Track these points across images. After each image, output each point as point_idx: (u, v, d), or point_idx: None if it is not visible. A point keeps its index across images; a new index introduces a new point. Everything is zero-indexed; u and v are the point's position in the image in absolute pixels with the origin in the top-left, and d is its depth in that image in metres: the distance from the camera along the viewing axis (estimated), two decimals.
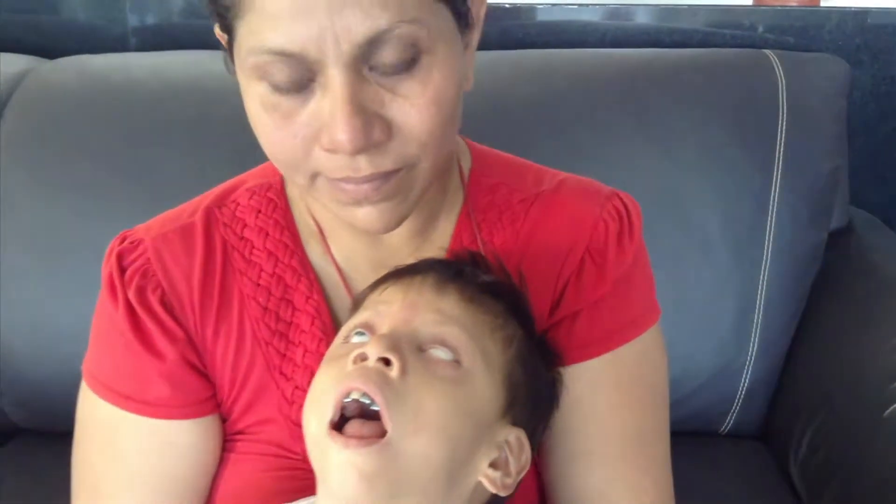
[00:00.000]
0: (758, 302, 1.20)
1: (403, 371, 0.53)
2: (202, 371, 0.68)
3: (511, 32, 1.43)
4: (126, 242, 0.69)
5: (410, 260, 0.64)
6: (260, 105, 0.57)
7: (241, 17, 0.54)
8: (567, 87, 1.25)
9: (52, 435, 1.26)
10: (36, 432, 1.28)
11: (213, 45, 1.44)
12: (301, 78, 0.54)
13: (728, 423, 1.26)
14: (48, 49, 1.40)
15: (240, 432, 0.68)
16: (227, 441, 0.69)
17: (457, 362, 0.56)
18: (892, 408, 1.01)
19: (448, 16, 0.57)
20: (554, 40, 1.41)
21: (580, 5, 1.44)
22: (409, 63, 0.55)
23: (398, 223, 0.61)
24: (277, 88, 0.55)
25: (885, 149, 1.50)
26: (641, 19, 1.44)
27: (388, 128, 0.56)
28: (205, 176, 0.84)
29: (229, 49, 0.59)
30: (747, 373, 1.21)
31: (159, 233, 0.69)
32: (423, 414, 0.52)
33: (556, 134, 1.19)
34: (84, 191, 1.18)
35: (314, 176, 0.59)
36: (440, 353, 0.55)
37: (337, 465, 0.51)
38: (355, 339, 0.57)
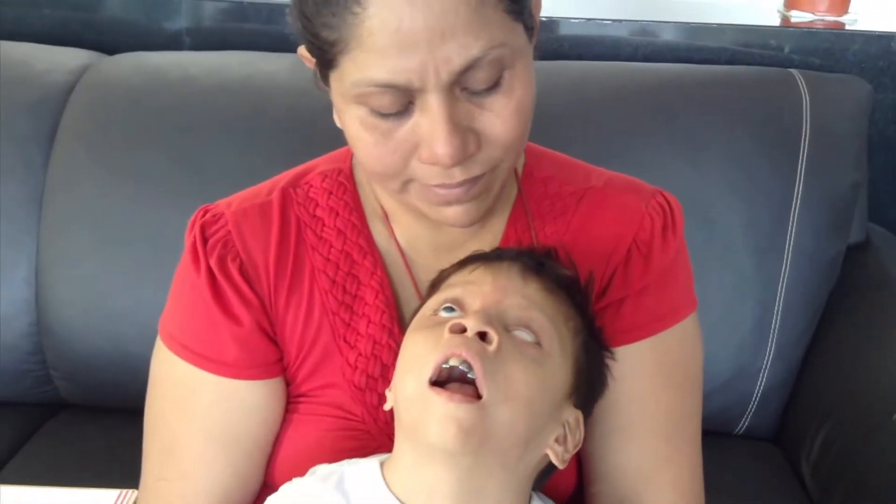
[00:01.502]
0: (776, 308, 1.25)
1: (499, 346, 0.59)
2: (272, 337, 0.73)
3: (547, 45, 1.48)
4: (208, 215, 0.75)
5: (469, 244, 0.71)
6: (360, 125, 0.63)
7: (347, 52, 0.59)
8: (599, 98, 1.31)
9: (98, 410, 1.34)
10: (82, 407, 1.36)
11: (262, 46, 1.52)
12: (401, 104, 0.60)
13: (743, 425, 1.31)
14: (105, 46, 1.48)
15: (303, 395, 0.74)
16: (291, 403, 0.74)
17: (538, 344, 0.62)
18: None
19: (522, 31, 0.63)
20: (587, 53, 1.47)
21: (613, 21, 1.50)
22: (495, 81, 0.61)
23: (480, 217, 0.68)
24: (377, 113, 0.61)
25: None
26: (672, 36, 1.50)
27: (479, 139, 0.62)
28: (255, 168, 0.90)
29: (322, 73, 0.65)
30: (764, 376, 1.26)
31: (239, 208, 0.75)
32: (512, 386, 0.58)
33: (589, 141, 1.25)
34: (141, 179, 1.25)
35: (407, 182, 0.65)
36: (524, 335, 0.61)
37: (439, 417, 0.57)
38: (444, 314, 0.63)
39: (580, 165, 0.80)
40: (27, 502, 0.95)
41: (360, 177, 0.78)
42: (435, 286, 0.69)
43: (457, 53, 0.58)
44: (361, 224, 0.76)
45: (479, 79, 0.60)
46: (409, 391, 0.60)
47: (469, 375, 0.57)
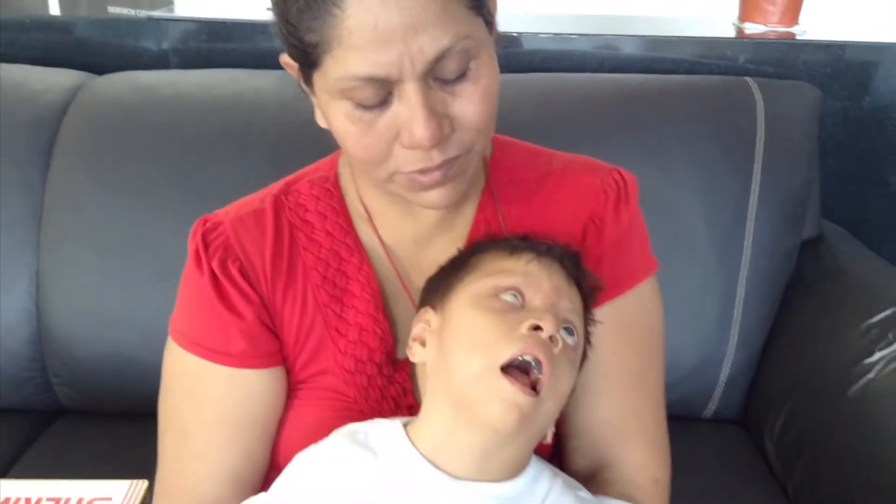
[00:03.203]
0: (737, 300, 1.34)
1: (561, 349, 0.66)
2: (272, 329, 0.80)
3: (517, 58, 1.58)
4: (209, 224, 0.81)
5: (443, 234, 0.80)
6: (346, 119, 0.69)
7: (329, 52, 0.66)
8: (567, 108, 1.39)
9: (98, 415, 1.39)
10: (82, 412, 1.41)
11: (246, 64, 1.58)
12: (380, 96, 0.67)
13: (710, 409, 1.40)
14: (95, 67, 1.53)
15: (302, 381, 0.81)
16: (292, 390, 0.81)
17: (575, 346, 0.70)
18: (854, 387, 1.15)
19: (483, 25, 0.70)
20: (556, 66, 1.56)
21: (580, 35, 1.59)
22: (463, 70, 0.68)
23: (457, 199, 0.75)
24: (360, 105, 0.68)
25: (854, 169, 1.65)
26: (634, 49, 1.59)
27: (452, 123, 0.69)
28: (246, 180, 0.96)
29: (305, 75, 0.71)
30: (728, 363, 1.35)
31: (236, 216, 0.82)
32: (560, 385, 0.67)
33: (557, 148, 1.33)
34: (136, 192, 1.31)
35: (393, 173, 0.72)
36: (568, 337, 0.69)
37: (503, 401, 0.63)
38: (508, 299, 0.69)
39: (544, 152, 0.88)
40: (40, 494, 1.00)
41: (345, 183, 0.85)
42: (474, 258, 0.74)
43: (429, 45, 0.64)
44: (348, 225, 0.83)
45: (450, 68, 0.67)
46: (475, 369, 0.65)
47: (536, 372, 0.64)
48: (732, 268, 1.34)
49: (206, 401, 0.79)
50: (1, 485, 1.03)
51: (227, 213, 0.83)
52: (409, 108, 0.67)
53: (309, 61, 0.68)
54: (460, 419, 0.67)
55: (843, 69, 1.59)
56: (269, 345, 0.80)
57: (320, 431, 0.75)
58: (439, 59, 0.65)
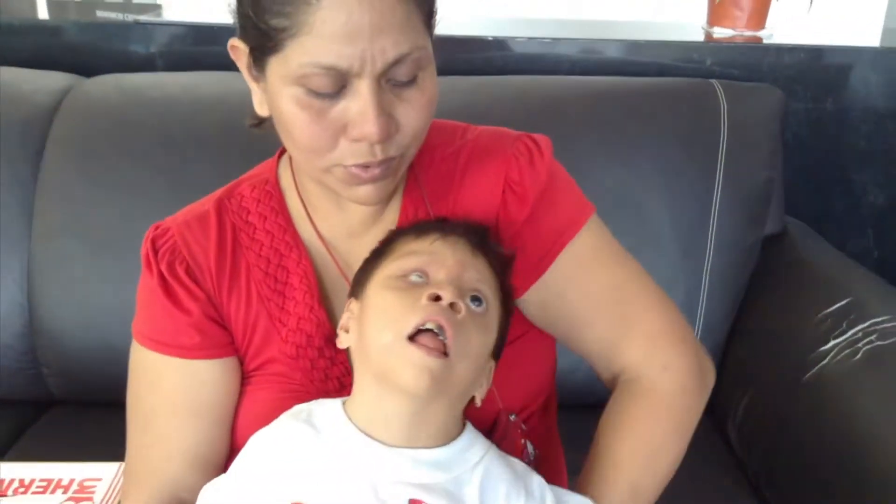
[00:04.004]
0: (702, 292, 1.41)
1: (464, 315, 0.71)
2: (221, 323, 0.85)
3: (493, 61, 1.64)
4: (158, 230, 0.87)
5: (376, 224, 0.85)
6: (296, 104, 0.73)
7: (296, 37, 0.70)
8: (540, 108, 1.45)
9: (88, 404, 1.44)
10: (72, 402, 1.46)
11: (230, 67, 1.63)
12: (336, 86, 0.72)
13: None
14: (82, 69, 1.58)
15: (254, 370, 0.86)
16: (245, 378, 0.86)
17: (485, 311, 0.75)
18: (809, 373, 1.21)
19: (430, 42, 0.76)
20: (530, 68, 1.62)
21: (553, 39, 1.65)
22: (412, 77, 0.74)
23: (385, 198, 0.81)
24: (313, 93, 0.72)
25: (817, 167, 1.72)
26: (607, 52, 1.65)
27: (397, 124, 0.75)
28: (229, 178, 0.98)
29: (257, 60, 0.75)
30: None
31: (183, 220, 0.87)
32: (469, 346, 0.71)
33: None
34: (124, 190, 1.37)
35: (332, 166, 0.76)
36: (475, 303, 0.74)
37: (414, 366, 0.68)
38: (414, 279, 0.74)
39: (458, 126, 0.92)
40: (34, 475, 1.05)
41: (285, 184, 0.90)
42: (388, 246, 0.79)
43: (391, 47, 0.70)
44: (287, 224, 0.88)
45: (402, 73, 0.72)
46: (386, 342, 0.70)
47: (440, 337, 0.69)
48: (697, 262, 1.41)
49: (165, 390, 0.84)
50: None
51: (174, 219, 0.88)
52: (361, 103, 0.71)
53: (269, 45, 0.72)
54: (383, 390, 0.72)
55: (806, 72, 1.65)
56: (219, 337, 0.85)
57: (273, 414, 0.80)
58: (397, 62, 0.71)
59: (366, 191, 0.78)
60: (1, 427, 1.39)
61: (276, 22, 0.70)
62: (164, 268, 0.84)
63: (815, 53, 1.65)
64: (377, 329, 0.72)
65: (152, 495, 0.83)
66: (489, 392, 0.82)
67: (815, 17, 1.82)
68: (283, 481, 0.72)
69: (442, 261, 0.75)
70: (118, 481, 1.04)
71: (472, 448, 0.76)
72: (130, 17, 1.72)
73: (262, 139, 1.37)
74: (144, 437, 0.86)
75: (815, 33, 1.79)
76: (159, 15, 1.86)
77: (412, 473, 0.71)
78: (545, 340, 0.92)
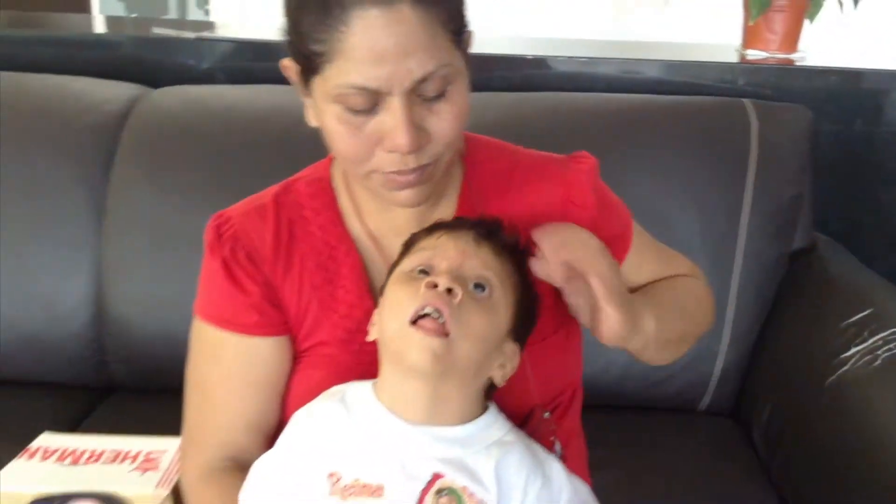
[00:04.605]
0: (730, 302, 1.47)
1: (461, 298, 0.78)
2: (277, 305, 0.93)
3: (531, 79, 1.72)
4: (221, 219, 0.95)
5: (425, 226, 0.91)
6: (336, 120, 0.82)
7: (331, 61, 0.77)
8: (575, 124, 1.53)
9: (147, 391, 1.54)
10: (132, 389, 1.56)
11: (285, 81, 1.73)
12: (369, 104, 0.80)
13: (704, 402, 1.52)
14: (149, 81, 1.70)
15: (304, 351, 0.94)
16: (297, 357, 0.94)
17: (489, 296, 0.81)
18: (830, 378, 1.27)
19: (460, 56, 0.81)
20: (567, 87, 1.70)
21: (590, 59, 1.73)
22: (441, 91, 0.81)
23: (424, 200, 0.88)
24: (351, 110, 0.81)
25: (847, 186, 1.77)
26: (642, 72, 1.73)
27: (427, 136, 0.82)
28: (282, 181, 1.07)
29: (304, 79, 0.84)
30: (721, 360, 1.48)
31: (244, 211, 0.95)
32: (470, 327, 0.78)
33: None
34: (186, 192, 1.47)
35: (371, 172, 0.85)
36: (479, 289, 0.81)
37: (417, 346, 0.76)
38: (419, 274, 0.81)
39: (507, 146, 1.00)
40: (105, 446, 1.15)
41: (337, 183, 0.97)
42: (408, 247, 0.87)
43: (417, 67, 0.76)
44: (338, 220, 0.95)
45: (431, 88, 0.79)
46: (394, 328, 0.77)
47: (439, 320, 0.76)
48: (725, 273, 1.47)
49: (224, 362, 0.93)
50: (70, 438, 1.18)
51: (236, 209, 0.97)
52: (393, 118, 0.79)
53: (311, 67, 0.80)
54: (400, 373, 0.80)
55: (836, 94, 1.72)
56: (275, 318, 0.93)
57: (321, 391, 0.88)
58: (424, 80, 0.78)
59: (405, 195, 0.86)
60: (67, 410, 1.49)
61: (314, 47, 0.78)
62: (226, 253, 0.92)
63: (846, 76, 1.71)
64: (387, 319, 0.80)
65: (213, 454, 0.92)
66: (525, 386, 0.89)
67: (847, 39, 1.88)
68: (320, 455, 0.80)
69: (444, 253, 0.82)
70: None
71: (492, 428, 0.82)
72: (186, 34, 1.84)
73: (311, 146, 1.48)
74: (203, 404, 0.95)
75: (846, 56, 1.85)
76: (213, 32, 1.98)
77: (434, 449, 0.78)
78: (575, 338, 0.99)
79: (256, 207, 0.96)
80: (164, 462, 1.11)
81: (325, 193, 0.97)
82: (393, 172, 0.83)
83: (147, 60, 1.79)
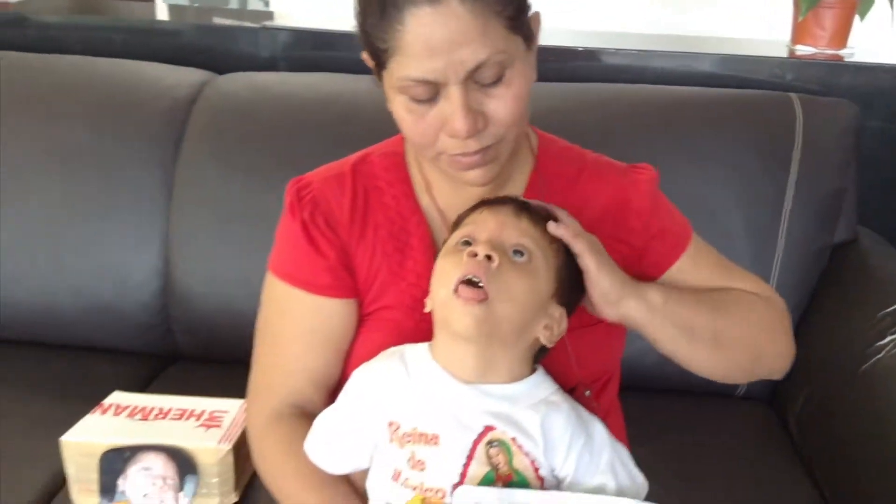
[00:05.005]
0: None
1: (499, 264, 0.84)
2: (349, 269, 0.99)
3: (581, 70, 1.77)
4: (301, 183, 1.02)
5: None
6: (403, 109, 0.88)
7: (393, 56, 0.83)
8: (623, 114, 1.58)
9: (208, 360, 1.63)
10: (194, 358, 1.65)
11: (344, 70, 1.81)
12: (430, 93, 0.86)
13: (742, 388, 1.56)
14: (215, 67, 1.78)
15: (370, 314, 1.00)
16: (362, 319, 1.01)
17: (528, 261, 0.87)
18: (865, 366, 1.30)
19: (520, 40, 0.85)
20: (615, 79, 1.74)
21: (639, 51, 1.77)
22: (499, 77, 0.86)
23: (493, 179, 0.93)
24: (414, 100, 0.87)
25: (893, 181, 1.79)
26: (690, 65, 1.76)
27: (486, 119, 0.87)
28: None
29: (377, 71, 0.90)
30: None
31: (323, 177, 1.02)
32: (508, 290, 0.84)
33: (611, 150, 1.50)
34: (250, 172, 1.55)
35: (439, 154, 0.91)
36: (518, 256, 0.86)
37: (459, 313, 0.82)
38: (462, 246, 0.87)
39: (574, 147, 1.06)
40: (171, 405, 1.23)
41: (410, 159, 1.03)
42: (457, 223, 0.93)
43: (469, 57, 0.81)
44: (410, 192, 1.01)
45: (486, 75, 0.83)
46: (441, 297, 0.84)
47: (480, 285, 0.82)
48: (766, 263, 1.50)
49: (295, 318, 1.00)
50: (139, 397, 1.27)
51: (315, 175, 1.03)
52: (451, 106, 0.85)
53: (379, 62, 0.88)
54: (448, 336, 0.86)
55: (884, 91, 1.73)
56: (346, 281, 0.99)
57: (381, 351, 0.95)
58: (477, 68, 0.83)
59: (473, 174, 0.91)
60: (133, 375, 1.58)
61: (378, 44, 0.85)
62: (306, 216, 0.98)
63: (894, 73, 1.72)
64: (435, 289, 0.86)
65: (280, 400, 0.99)
66: (567, 366, 0.95)
67: None
68: (380, 406, 0.87)
69: (484, 225, 0.87)
70: (242, 414, 1.21)
71: (539, 387, 0.88)
72: (245, 23, 1.92)
73: (366, 129, 1.55)
74: (272, 356, 1.02)
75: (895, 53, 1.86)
76: (272, 21, 2.06)
77: (485, 403, 0.84)
78: (619, 327, 1.02)
79: (336, 175, 1.02)
80: (226, 421, 1.20)
81: (399, 168, 1.02)
82: (458, 154, 0.89)
83: (212, 48, 1.87)
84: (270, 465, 0.98)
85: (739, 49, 1.84)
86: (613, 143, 1.50)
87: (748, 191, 1.52)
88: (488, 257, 0.83)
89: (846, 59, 1.79)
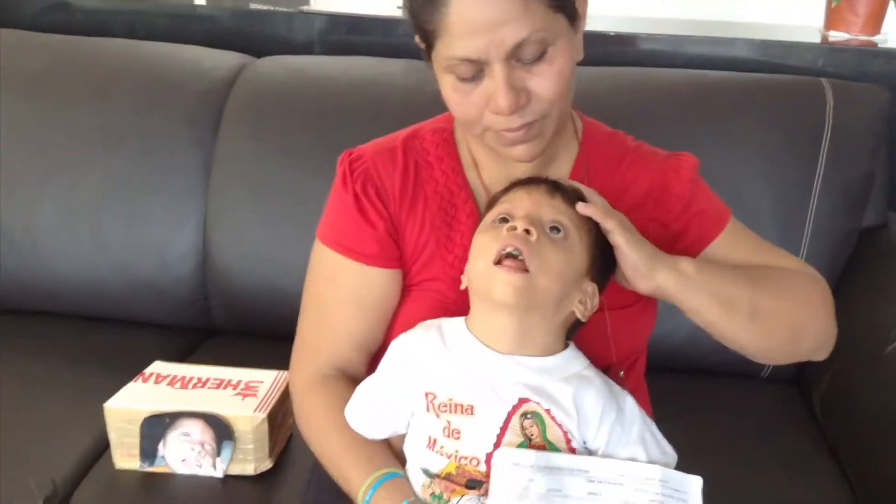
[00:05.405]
0: None
1: (538, 238, 0.87)
2: (397, 240, 1.03)
3: (615, 55, 1.78)
4: (353, 155, 1.05)
5: None
6: (450, 88, 0.92)
7: (439, 37, 0.87)
8: (655, 98, 1.60)
9: (245, 334, 1.68)
10: (231, 333, 1.70)
11: (379, 54, 1.83)
12: (475, 72, 0.89)
13: (768, 369, 1.57)
14: (252, 51, 1.83)
15: (414, 284, 1.04)
16: (405, 289, 1.04)
17: (564, 237, 0.90)
18: (888, 348, 1.31)
19: (563, 19, 0.88)
20: (648, 62, 1.76)
21: (670, 36, 1.78)
22: (541, 54, 0.89)
23: (538, 154, 0.96)
24: (460, 78, 0.90)
25: None
26: (721, 51, 1.77)
27: (528, 95, 0.90)
28: None
29: (427, 54, 0.94)
30: None
31: (375, 151, 1.05)
32: (547, 263, 0.86)
33: (643, 132, 1.51)
34: (287, 152, 1.60)
35: (485, 130, 0.94)
36: (554, 232, 0.89)
37: (501, 282, 0.84)
38: (499, 223, 0.91)
39: (618, 133, 1.09)
40: (209, 375, 1.28)
41: (459, 136, 1.07)
42: (491, 204, 0.96)
43: (510, 36, 0.84)
44: (458, 168, 1.05)
45: (528, 52, 0.86)
46: (479, 269, 0.87)
47: (519, 258, 0.85)
48: (794, 246, 1.51)
49: (341, 285, 1.03)
50: (179, 367, 1.32)
51: (367, 148, 1.07)
52: (494, 83, 0.88)
53: (428, 43, 0.92)
54: (487, 308, 0.89)
55: None
56: (393, 252, 1.03)
57: (424, 320, 0.98)
58: (518, 46, 0.86)
59: (519, 150, 0.94)
60: (171, 349, 1.62)
61: (425, 26, 0.89)
62: (358, 187, 1.02)
63: None
64: (473, 262, 0.90)
65: (323, 362, 1.03)
66: (605, 346, 0.97)
67: None
68: (418, 377, 0.90)
69: (520, 203, 0.91)
70: (276, 385, 1.26)
71: (572, 362, 0.91)
72: (282, 8, 1.96)
73: (399, 111, 1.58)
74: (317, 320, 1.06)
75: None
76: (308, 6, 2.10)
77: (520, 375, 0.87)
78: (652, 307, 1.07)
79: (388, 149, 1.05)
80: (262, 391, 1.24)
81: (448, 144, 1.06)
82: (502, 130, 0.92)
83: (250, 32, 1.92)
84: (314, 425, 1.02)
85: (772, 35, 1.84)
86: (646, 126, 1.51)
87: (777, 174, 1.53)
88: (527, 231, 0.86)
89: (879, 45, 1.79)
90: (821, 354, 1.06)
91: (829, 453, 1.40)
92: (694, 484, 0.86)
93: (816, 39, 1.83)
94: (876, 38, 1.82)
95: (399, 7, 1.94)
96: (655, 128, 1.51)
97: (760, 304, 0.96)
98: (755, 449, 1.41)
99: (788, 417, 1.50)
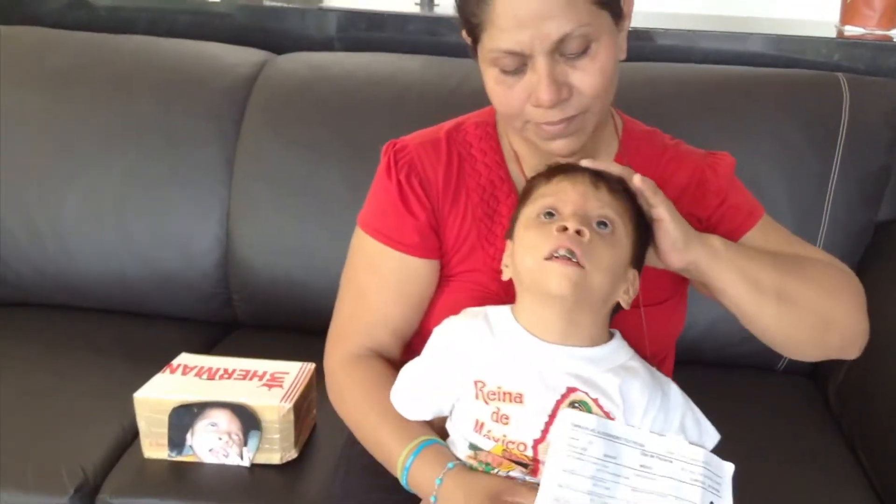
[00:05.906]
0: None
1: (590, 238, 0.88)
2: (437, 231, 1.05)
3: (631, 50, 1.75)
4: (397, 146, 1.07)
5: None
6: (494, 81, 0.94)
7: (485, 30, 0.90)
8: (671, 93, 1.61)
9: (267, 328, 1.70)
10: (253, 326, 1.73)
11: (395, 49, 1.84)
12: (519, 65, 0.91)
13: (783, 362, 1.59)
14: (273, 48, 1.85)
15: (453, 275, 1.05)
16: (444, 279, 1.06)
17: (612, 232, 0.90)
18: None
19: (607, 16, 0.90)
20: (665, 57, 1.77)
21: (688, 31, 1.79)
22: (584, 49, 0.90)
23: (577, 149, 0.97)
24: (503, 71, 0.92)
25: None
26: (738, 46, 1.78)
27: (570, 89, 0.92)
28: None
29: (473, 48, 0.96)
30: None
31: (419, 142, 1.07)
32: (600, 261, 0.87)
33: (660, 128, 1.54)
34: (309, 147, 1.62)
35: (525, 123, 0.96)
36: (602, 227, 0.90)
37: (557, 274, 0.84)
38: (545, 218, 0.91)
39: (656, 131, 1.11)
40: (235, 366, 1.31)
41: (502, 130, 1.08)
42: (527, 193, 0.95)
43: (554, 30, 0.86)
44: (501, 161, 1.06)
45: (571, 47, 0.88)
46: (529, 264, 0.88)
47: (572, 259, 0.86)
48: (811, 238, 1.51)
49: (381, 273, 1.05)
50: (205, 358, 1.34)
51: (412, 139, 1.08)
52: (537, 76, 0.90)
53: (474, 36, 0.94)
54: (537, 300, 0.90)
55: None
56: (433, 242, 1.04)
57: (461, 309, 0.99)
58: (562, 40, 0.88)
59: (558, 144, 0.96)
60: (195, 342, 1.65)
61: (471, 19, 0.92)
62: (402, 177, 1.03)
63: None
64: (522, 259, 0.90)
65: (358, 343, 1.06)
66: (640, 341, 0.99)
67: None
68: (466, 364, 0.91)
69: (566, 197, 0.91)
70: (301, 376, 1.28)
71: (618, 352, 0.93)
72: (301, 6, 1.98)
73: (419, 107, 1.60)
74: (355, 305, 1.08)
75: None
76: (327, 3, 2.12)
77: (568, 365, 0.89)
78: (684, 302, 1.09)
79: (431, 141, 1.07)
80: (287, 382, 1.27)
81: (491, 137, 1.08)
82: (543, 123, 0.93)
83: (270, 29, 1.94)
84: (349, 400, 1.05)
85: (788, 30, 1.85)
86: (662, 121, 1.52)
87: (794, 168, 1.54)
88: (578, 232, 0.87)
89: (895, 40, 1.80)
90: (851, 352, 1.04)
91: (845, 445, 1.42)
92: (727, 469, 0.89)
93: (832, 34, 1.84)
94: (891, 33, 1.82)
95: (416, 3, 1.96)
96: (671, 123, 1.50)
97: (787, 287, 0.96)
98: (771, 440, 1.43)
99: (804, 409, 1.52)
